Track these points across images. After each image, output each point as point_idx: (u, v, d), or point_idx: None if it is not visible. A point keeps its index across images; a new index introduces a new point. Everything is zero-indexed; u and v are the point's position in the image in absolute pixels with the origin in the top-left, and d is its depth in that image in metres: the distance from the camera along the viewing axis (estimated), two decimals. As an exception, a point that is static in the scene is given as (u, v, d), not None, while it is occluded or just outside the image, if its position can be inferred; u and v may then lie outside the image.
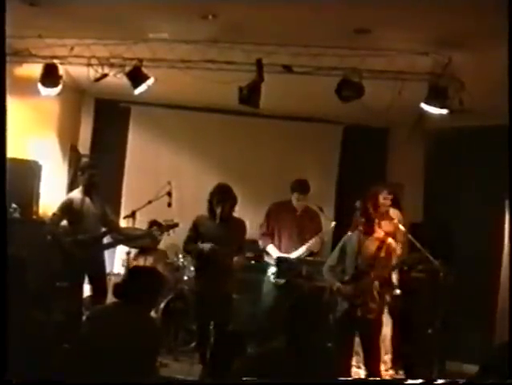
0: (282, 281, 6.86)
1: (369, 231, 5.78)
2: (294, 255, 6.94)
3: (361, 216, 5.83)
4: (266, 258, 7.11)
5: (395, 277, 6.50)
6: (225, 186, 6.36)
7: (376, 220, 5.86)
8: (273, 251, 7.00)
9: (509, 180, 5.89)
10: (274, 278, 6.92)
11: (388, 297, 6.22)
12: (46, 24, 5.78)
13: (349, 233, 5.96)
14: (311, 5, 4.92)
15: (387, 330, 6.51)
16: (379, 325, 5.82)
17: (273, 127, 8.79)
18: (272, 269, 6.97)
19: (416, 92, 5.82)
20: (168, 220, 6.77)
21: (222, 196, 6.24)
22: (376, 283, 5.68)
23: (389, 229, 6.17)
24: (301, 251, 6.95)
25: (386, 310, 6.28)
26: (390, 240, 5.80)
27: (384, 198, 6.63)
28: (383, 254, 5.69)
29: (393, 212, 6.81)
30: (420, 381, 3.36)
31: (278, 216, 7.14)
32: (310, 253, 7.01)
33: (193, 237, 6.40)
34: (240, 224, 6.45)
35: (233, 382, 3.54)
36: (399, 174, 8.51)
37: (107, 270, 7.18)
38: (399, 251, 6.31)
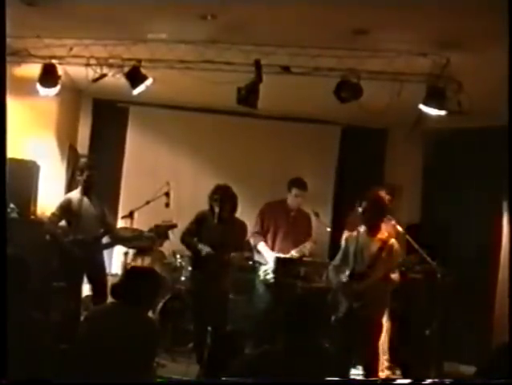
0: (269, 278, 6.87)
1: (372, 232, 5.79)
2: (286, 256, 6.93)
3: (365, 217, 5.83)
4: (257, 257, 7.10)
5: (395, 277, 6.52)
6: (224, 187, 6.39)
7: (380, 221, 5.87)
8: (264, 250, 6.99)
9: (509, 181, 5.90)
10: (264, 277, 6.93)
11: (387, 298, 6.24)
12: (45, 24, 5.77)
13: (354, 234, 5.96)
14: (310, 6, 4.92)
15: (385, 330, 6.52)
16: (378, 325, 5.83)
17: (271, 128, 8.79)
18: (263, 268, 6.97)
19: (415, 93, 5.82)
20: (167, 220, 6.77)
21: (221, 197, 6.26)
22: (377, 284, 5.69)
23: (388, 230, 6.18)
24: (293, 252, 6.94)
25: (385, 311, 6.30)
26: (392, 240, 5.81)
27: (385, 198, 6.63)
28: (384, 255, 5.69)
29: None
30: (408, 381, 3.36)
31: (272, 216, 7.12)
32: (302, 255, 7.02)
33: (193, 230, 6.42)
34: (241, 226, 6.47)
35: (232, 382, 3.54)
36: (397, 175, 8.51)
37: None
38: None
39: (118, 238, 6.96)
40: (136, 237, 7.01)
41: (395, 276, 6.21)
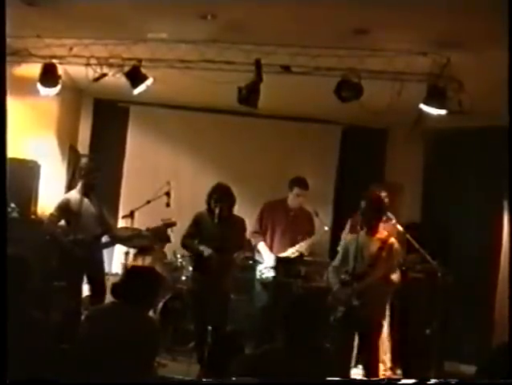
0: (269, 277, 6.87)
1: (371, 231, 5.78)
2: (283, 255, 6.94)
3: (364, 217, 5.83)
4: (257, 256, 7.11)
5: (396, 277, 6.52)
6: (223, 186, 6.38)
7: (379, 221, 5.87)
8: (263, 250, 7.00)
9: (509, 181, 5.90)
10: (260, 276, 6.93)
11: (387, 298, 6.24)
12: (45, 24, 5.77)
13: (353, 234, 5.95)
14: (310, 5, 4.92)
15: (385, 330, 6.52)
16: (378, 325, 5.83)
17: (271, 128, 8.79)
18: (259, 268, 6.98)
19: (415, 93, 5.82)
20: (166, 218, 6.76)
21: (220, 196, 6.26)
22: (377, 283, 5.69)
23: (388, 230, 6.17)
24: (290, 252, 6.95)
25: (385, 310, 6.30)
26: (392, 240, 5.80)
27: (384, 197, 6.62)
28: (384, 254, 5.69)
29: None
30: (413, 381, 3.36)
31: (271, 215, 7.14)
32: (301, 254, 7.01)
33: (193, 233, 6.42)
34: (240, 223, 6.46)
35: (232, 382, 3.54)
36: (397, 174, 8.51)
37: (106, 270, 7.19)
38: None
39: (116, 238, 6.96)
40: (133, 236, 7.00)
41: (395, 276, 6.21)
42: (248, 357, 4.04)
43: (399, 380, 5.81)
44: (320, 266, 7.02)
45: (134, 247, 7.52)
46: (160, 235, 6.92)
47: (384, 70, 5.73)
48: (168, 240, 7.20)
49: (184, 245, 6.61)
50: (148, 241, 7.33)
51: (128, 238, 7.07)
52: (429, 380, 3.55)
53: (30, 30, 5.87)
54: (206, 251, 6.24)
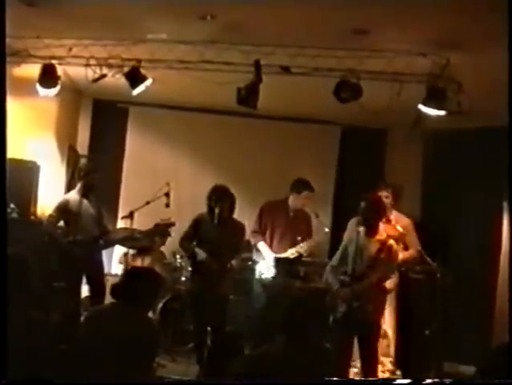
0: (268, 278, 6.86)
1: (371, 233, 5.77)
2: (282, 256, 6.93)
3: (363, 217, 5.82)
4: (257, 256, 7.10)
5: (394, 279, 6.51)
6: (222, 187, 6.39)
7: (379, 221, 5.86)
8: (263, 249, 7.00)
9: (509, 181, 5.90)
10: (259, 276, 6.92)
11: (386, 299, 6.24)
12: (45, 24, 5.77)
13: (353, 235, 5.95)
14: (309, 6, 4.92)
15: (391, 333, 6.53)
16: (377, 326, 5.83)
17: (271, 128, 8.79)
18: (258, 268, 6.98)
19: (415, 93, 5.81)
20: (165, 218, 6.76)
21: (220, 197, 6.27)
22: (376, 284, 5.69)
23: (389, 231, 6.16)
24: (289, 253, 6.94)
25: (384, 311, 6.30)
26: (391, 241, 5.80)
27: (385, 197, 6.62)
28: (383, 256, 5.69)
29: (401, 217, 6.81)
30: (408, 381, 3.37)
31: (271, 215, 7.13)
32: (299, 255, 7.01)
33: (191, 234, 6.43)
34: (239, 227, 6.47)
35: (232, 383, 3.54)
36: (397, 175, 8.50)
37: (105, 271, 7.19)
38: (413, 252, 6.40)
39: (108, 241, 6.95)
40: (127, 238, 7.00)
41: (390, 284, 6.20)
42: (247, 357, 4.03)
43: (394, 380, 5.82)
44: (319, 267, 7.02)
45: (133, 248, 7.52)
46: (159, 231, 6.91)
47: (383, 70, 5.72)
48: (168, 234, 7.18)
49: (181, 246, 6.63)
50: (146, 241, 7.33)
51: (121, 240, 7.09)
52: (424, 380, 3.55)
53: (29, 31, 5.86)
54: (201, 255, 6.27)
